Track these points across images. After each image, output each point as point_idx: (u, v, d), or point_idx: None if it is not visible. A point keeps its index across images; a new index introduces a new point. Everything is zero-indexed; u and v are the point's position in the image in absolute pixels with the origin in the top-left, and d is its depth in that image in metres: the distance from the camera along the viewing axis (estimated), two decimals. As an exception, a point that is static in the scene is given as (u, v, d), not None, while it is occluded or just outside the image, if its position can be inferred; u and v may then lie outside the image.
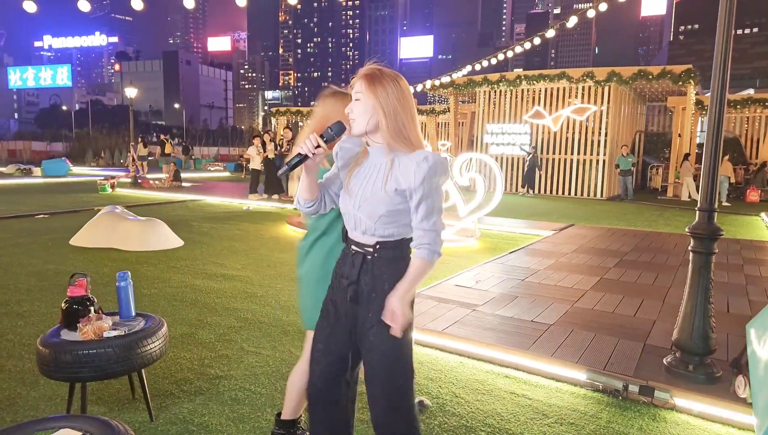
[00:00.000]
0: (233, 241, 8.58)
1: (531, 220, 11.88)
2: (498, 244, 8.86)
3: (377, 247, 2.09)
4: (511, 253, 8.00)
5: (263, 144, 15.45)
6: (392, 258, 2.10)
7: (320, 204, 2.20)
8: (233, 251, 7.81)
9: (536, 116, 20.57)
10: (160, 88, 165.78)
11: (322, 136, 2.04)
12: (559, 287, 6.02)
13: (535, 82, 19.89)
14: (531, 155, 19.73)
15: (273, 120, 35.80)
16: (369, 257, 2.11)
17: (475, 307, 5.20)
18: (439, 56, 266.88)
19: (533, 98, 20.55)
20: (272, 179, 15.03)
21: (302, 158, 2.04)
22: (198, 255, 7.47)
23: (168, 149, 28.80)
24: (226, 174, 30.94)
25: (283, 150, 15.33)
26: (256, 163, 15.24)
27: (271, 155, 15.11)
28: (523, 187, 20.49)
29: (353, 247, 2.12)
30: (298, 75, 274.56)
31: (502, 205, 11.80)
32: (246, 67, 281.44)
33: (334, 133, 2.07)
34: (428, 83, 22.76)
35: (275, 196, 14.98)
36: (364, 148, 2.11)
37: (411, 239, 2.08)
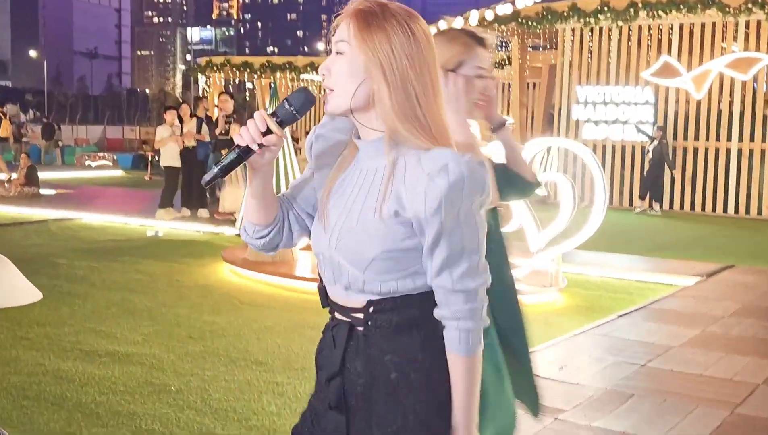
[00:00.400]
0: (129, 293, 7.64)
1: (656, 257, 10.52)
2: (597, 301, 7.88)
3: (370, 310, 1.76)
4: (620, 316, 7.04)
5: (182, 121, 13.53)
6: (398, 327, 1.76)
7: (280, 232, 1.91)
8: (129, 311, 6.95)
9: (665, 73, 17.63)
10: (4, 25, 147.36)
11: (274, 115, 1.69)
12: (709, 379, 5.19)
13: (662, 12, 17.06)
14: (656, 143, 17.01)
15: (202, 79, 29.01)
16: (359, 329, 1.79)
17: (558, 412, 4.42)
18: None
19: (659, 42, 17.95)
20: (196, 184, 13.45)
21: (241, 154, 1.69)
22: (67, 317, 6.67)
23: (4, 130, 23.68)
24: (118, 173, 28.75)
25: (218, 132, 13.58)
26: (170, 156, 13.34)
27: (191, 142, 13.43)
28: (642, 198, 17.67)
29: (335, 313, 1.85)
30: (246, 1, 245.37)
31: (605, 231, 9.50)
32: None
33: (294, 108, 1.71)
34: (473, 15, 19.82)
35: (203, 213, 13.61)
36: (351, 140, 1.81)
37: (429, 293, 1.75)
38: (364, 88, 1.70)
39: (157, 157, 14.39)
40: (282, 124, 1.69)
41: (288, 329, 6.29)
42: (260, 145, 1.68)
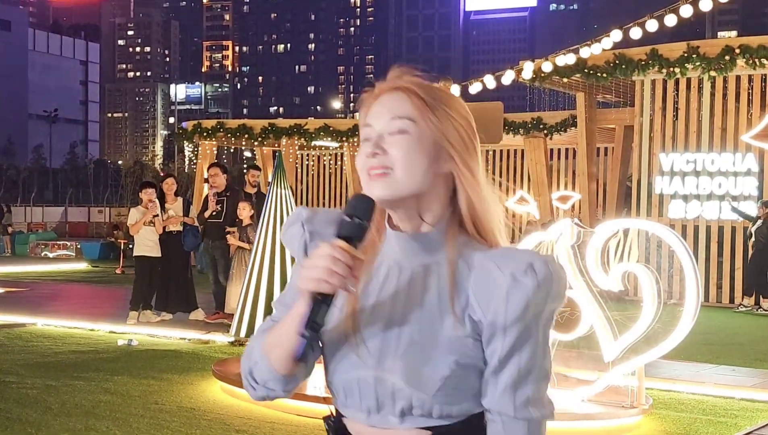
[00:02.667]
0: (96, 419, 7.57)
1: (765, 369, 10.57)
2: (692, 426, 7.85)
3: None
4: None
5: (162, 197, 13.85)
6: None
7: (304, 373, 1.97)
8: None
9: None
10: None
11: (349, 239, 1.77)
12: None
13: (765, 59, 17.31)
14: (760, 223, 17.13)
15: (187, 148, 29.79)
16: None
17: None
18: (553, 5, 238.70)
19: (762, 97, 18.16)
20: (178, 279, 13.73)
21: (327, 303, 1.77)
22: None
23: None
24: (83, 265, 28.96)
25: (207, 214, 13.81)
26: (144, 244, 13.59)
27: (174, 226, 13.62)
28: (748, 294, 17.66)
29: None
30: (244, 50, 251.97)
31: (700, 336, 9.51)
32: (130, 33, 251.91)
33: (361, 220, 1.80)
34: (527, 68, 20.20)
35: (197, 315, 13.80)
36: (373, 230, 1.90)
37: (481, 416, 1.88)
38: (431, 171, 1.85)
39: (131, 246, 14.59)
40: (356, 244, 1.77)
41: (296, 465, 6.34)
42: (351, 286, 1.78)
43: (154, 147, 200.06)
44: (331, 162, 31.68)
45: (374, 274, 1.91)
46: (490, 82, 21.06)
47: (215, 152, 29.44)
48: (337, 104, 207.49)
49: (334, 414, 1.96)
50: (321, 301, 1.75)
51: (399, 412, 1.83)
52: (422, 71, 1.94)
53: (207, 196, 14.07)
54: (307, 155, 31.73)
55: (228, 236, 13.51)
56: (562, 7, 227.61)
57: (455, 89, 17.08)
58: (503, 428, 1.82)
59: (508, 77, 20.63)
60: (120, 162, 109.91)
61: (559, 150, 27.88)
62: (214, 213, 13.59)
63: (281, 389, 1.94)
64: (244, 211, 13.44)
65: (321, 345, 1.93)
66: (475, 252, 1.86)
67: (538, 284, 1.77)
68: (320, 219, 2.00)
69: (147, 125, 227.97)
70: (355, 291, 1.80)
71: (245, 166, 14.99)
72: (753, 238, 16.96)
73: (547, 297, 1.80)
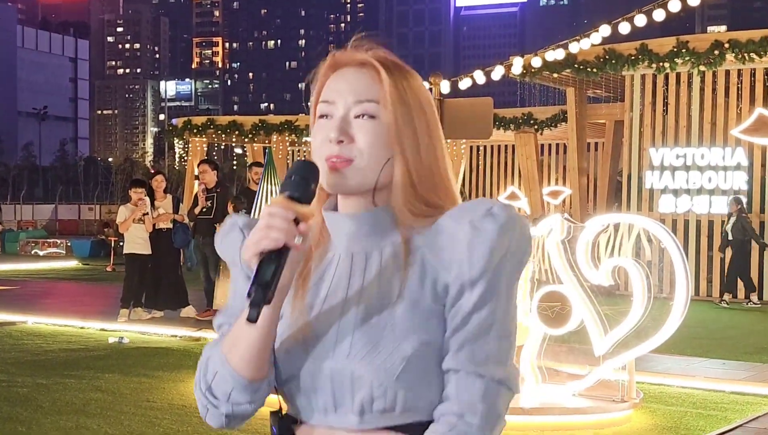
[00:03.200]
0: (87, 417, 7.59)
1: (756, 362, 10.59)
2: (682, 419, 7.89)
3: None
4: None
5: (151, 195, 13.82)
6: None
7: (268, 384, 1.78)
8: None
9: (760, 129, 17.79)
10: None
11: (293, 197, 1.67)
12: None
13: (754, 53, 17.31)
14: (734, 219, 17.28)
15: (177, 144, 29.69)
16: None
17: None
18: (543, 0, 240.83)
19: (751, 91, 18.20)
20: (168, 277, 13.74)
21: (279, 259, 1.65)
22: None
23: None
24: (73, 263, 29.01)
25: (197, 211, 13.79)
26: (134, 241, 13.61)
27: (164, 223, 13.65)
28: (729, 291, 17.89)
29: None
30: (234, 46, 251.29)
31: (690, 330, 9.61)
32: (119, 29, 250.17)
33: (306, 180, 1.71)
34: (516, 63, 20.27)
35: (189, 312, 13.75)
36: (318, 222, 1.81)
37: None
38: (391, 162, 1.75)
39: (121, 243, 14.60)
40: (302, 202, 1.67)
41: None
42: (299, 239, 1.65)
43: (144, 144, 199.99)
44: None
45: (326, 265, 1.81)
46: (480, 77, 21.09)
47: (205, 149, 29.41)
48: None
49: (284, 410, 1.81)
50: (266, 260, 1.63)
51: (359, 408, 1.68)
52: (382, 45, 1.83)
53: (197, 193, 14.07)
54: (298, 151, 31.76)
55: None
56: (552, 2, 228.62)
57: (445, 85, 17.08)
58: (456, 385, 1.68)
59: (497, 72, 20.64)
60: (110, 159, 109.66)
61: (549, 145, 27.95)
62: (204, 209, 13.59)
63: (247, 400, 1.75)
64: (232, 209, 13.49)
65: (274, 355, 1.77)
66: (432, 222, 1.74)
67: (500, 227, 1.66)
68: (240, 224, 1.89)
69: (137, 122, 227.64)
70: (303, 246, 1.65)
71: (249, 163, 14.93)
72: (730, 236, 17.05)
73: (510, 243, 1.68)
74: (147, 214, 13.42)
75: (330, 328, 1.72)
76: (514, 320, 1.73)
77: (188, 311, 13.74)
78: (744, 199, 17.92)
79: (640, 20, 18.47)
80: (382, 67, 1.77)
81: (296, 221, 1.63)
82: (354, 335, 1.69)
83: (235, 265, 1.86)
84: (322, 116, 1.77)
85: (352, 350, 1.68)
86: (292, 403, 1.78)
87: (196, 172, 18.05)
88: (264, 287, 1.61)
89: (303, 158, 1.84)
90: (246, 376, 1.70)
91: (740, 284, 17.85)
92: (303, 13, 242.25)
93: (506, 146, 29.28)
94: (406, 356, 1.65)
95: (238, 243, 1.83)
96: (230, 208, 13.63)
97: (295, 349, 1.74)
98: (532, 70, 19.74)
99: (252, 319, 1.61)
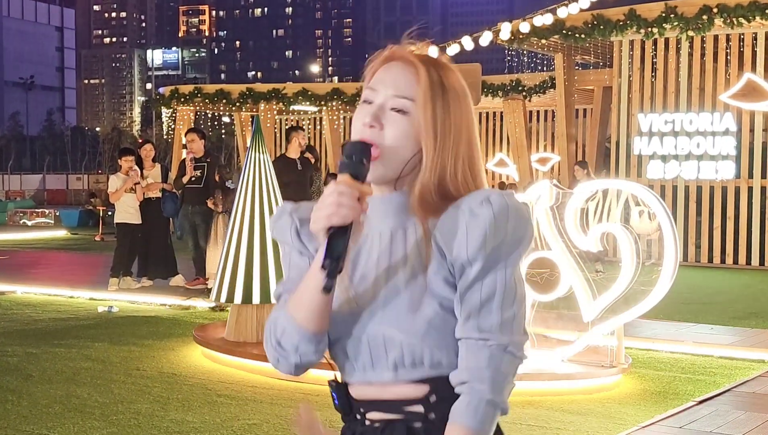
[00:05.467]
0: (77, 386, 7.60)
1: (745, 327, 10.63)
2: (671, 384, 7.91)
3: (432, 395, 1.93)
4: (700, 402, 7.07)
5: (140, 164, 13.82)
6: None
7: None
8: (76, 409, 6.90)
9: (749, 94, 17.81)
10: None
11: (356, 177, 1.87)
12: None
13: (743, 18, 17.28)
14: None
15: (165, 113, 29.54)
16: (419, 426, 1.94)
17: None
18: None
19: (740, 56, 18.16)
20: (159, 246, 13.75)
21: (347, 233, 1.86)
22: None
23: None
24: (62, 233, 29.22)
25: (185, 180, 13.67)
26: (125, 211, 13.61)
27: (155, 193, 13.65)
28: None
29: (373, 413, 1.99)
30: (221, 15, 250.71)
31: (678, 296, 9.40)
32: None
33: (361, 160, 1.90)
34: (504, 28, 20.12)
35: (178, 281, 13.78)
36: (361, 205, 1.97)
37: None
38: (417, 157, 1.95)
39: (110, 213, 14.57)
40: (359, 179, 1.87)
41: (278, 428, 6.32)
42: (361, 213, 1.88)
43: (131, 113, 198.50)
44: (310, 126, 31.65)
45: (362, 242, 2.00)
46: (468, 43, 20.98)
47: (193, 118, 29.37)
48: (315, 68, 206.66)
49: (338, 379, 2.04)
50: (336, 234, 1.82)
51: (392, 365, 1.93)
52: (424, 31, 2.05)
53: (183, 161, 13.96)
54: (286, 120, 31.66)
55: (208, 201, 13.50)
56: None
57: (433, 52, 16.99)
58: (465, 353, 1.88)
59: (485, 38, 20.55)
60: (98, 129, 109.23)
61: (537, 112, 27.89)
62: (192, 178, 13.49)
63: (313, 350, 1.98)
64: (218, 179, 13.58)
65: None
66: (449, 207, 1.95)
67: (493, 214, 1.85)
68: (305, 207, 2.07)
69: (124, 91, 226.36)
70: (360, 221, 1.86)
71: (288, 127, 14.34)
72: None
73: (507, 226, 1.87)
74: (138, 183, 13.42)
75: (365, 299, 1.96)
76: (519, 292, 1.92)
77: (177, 280, 13.73)
78: (734, 165, 18.03)
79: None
80: (423, 67, 1.96)
81: (358, 197, 1.86)
82: (385, 304, 1.94)
83: (287, 244, 2.10)
84: (364, 101, 1.98)
85: (384, 317, 1.93)
86: (338, 363, 2.03)
87: (183, 141, 17.92)
88: (336, 259, 1.82)
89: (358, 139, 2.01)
90: (310, 329, 1.94)
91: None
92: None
93: (494, 113, 29.26)
94: (428, 320, 1.89)
95: (288, 226, 2.08)
96: (216, 178, 13.62)
97: (338, 317, 1.98)
98: (521, 36, 19.68)
99: (328, 289, 1.84)
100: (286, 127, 17.20)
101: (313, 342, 1.97)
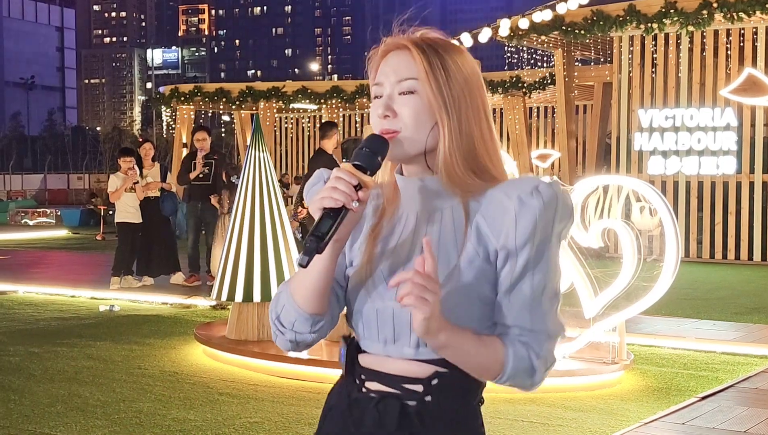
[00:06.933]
0: (78, 385, 7.63)
1: (747, 323, 10.62)
2: (673, 380, 7.89)
3: (435, 378, 1.98)
4: (703, 398, 7.04)
5: (139, 163, 13.87)
6: (457, 411, 2.01)
7: (330, 320, 2.12)
8: (78, 408, 6.93)
9: (750, 89, 17.69)
10: None
11: (360, 166, 1.94)
12: None
13: (743, 13, 17.24)
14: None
15: (165, 113, 29.54)
16: (413, 405, 1.97)
17: None
18: None
19: (740, 51, 18.12)
20: (159, 245, 13.77)
21: (337, 217, 1.91)
22: (2, 416, 6.73)
23: None
24: (63, 232, 29.24)
25: (193, 177, 13.81)
26: (125, 210, 13.62)
27: (153, 191, 13.68)
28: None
29: (372, 382, 2.03)
30: (220, 13, 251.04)
31: (680, 292, 9.75)
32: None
33: (378, 154, 1.98)
34: (503, 24, 20.15)
35: (177, 278, 13.83)
36: (391, 184, 2.13)
37: None
38: (436, 129, 2.00)
39: (111, 212, 14.58)
40: (370, 173, 1.94)
41: (280, 426, 6.31)
42: (357, 203, 1.91)
43: (132, 112, 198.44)
44: (310, 124, 31.64)
45: (396, 221, 2.06)
46: (467, 40, 20.92)
47: (193, 117, 29.39)
48: (314, 66, 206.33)
49: (348, 343, 2.09)
50: (326, 215, 1.87)
51: (415, 342, 1.96)
52: (424, 25, 2.08)
53: (188, 157, 14.05)
54: (286, 118, 31.66)
55: (212, 197, 13.53)
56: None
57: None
58: (521, 341, 1.95)
59: (485, 35, 20.51)
60: (98, 128, 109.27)
61: (537, 108, 27.85)
62: (201, 175, 13.57)
63: (308, 330, 2.05)
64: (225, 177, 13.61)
65: (344, 291, 2.08)
66: (485, 188, 1.98)
67: (544, 204, 1.90)
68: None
69: (124, 91, 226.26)
70: (360, 209, 1.91)
71: (326, 121, 14.22)
72: None
73: (554, 217, 1.93)
74: (137, 183, 13.44)
75: (395, 275, 1.95)
76: (560, 281, 2.00)
77: (178, 278, 13.75)
78: (735, 161, 17.99)
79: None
80: (415, 47, 2.01)
81: (358, 187, 1.89)
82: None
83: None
84: (375, 97, 2.04)
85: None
86: (358, 334, 2.06)
87: (184, 140, 17.96)
88: (318, 238, 1.86)
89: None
90: (306, 310, 2.01)
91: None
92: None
93: (494, 110, 29.19)
94: (456, 303, 1.92)
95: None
96: (224, 176, 13.68)
97: (363, 290, 2.03)
98: (520, 33, 19.64)
99: (302, 265, 1.87)
100: (322, 121, 17.17)
101: (308, 322, 2.04)
